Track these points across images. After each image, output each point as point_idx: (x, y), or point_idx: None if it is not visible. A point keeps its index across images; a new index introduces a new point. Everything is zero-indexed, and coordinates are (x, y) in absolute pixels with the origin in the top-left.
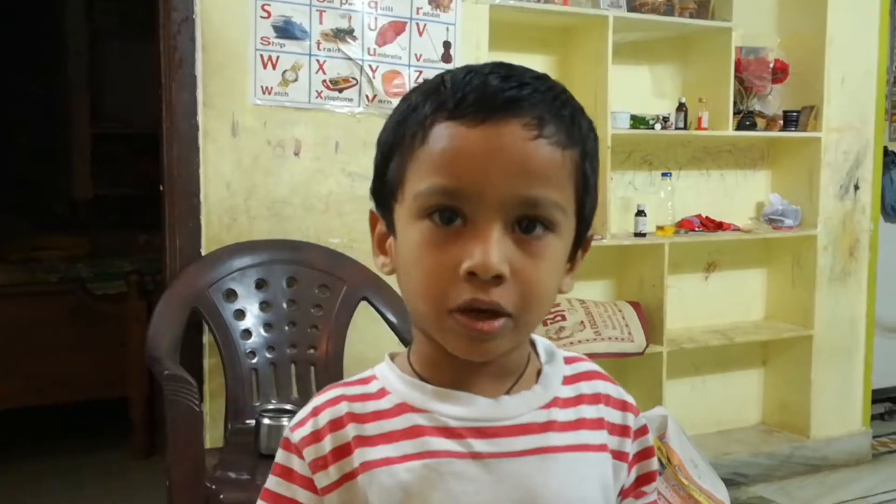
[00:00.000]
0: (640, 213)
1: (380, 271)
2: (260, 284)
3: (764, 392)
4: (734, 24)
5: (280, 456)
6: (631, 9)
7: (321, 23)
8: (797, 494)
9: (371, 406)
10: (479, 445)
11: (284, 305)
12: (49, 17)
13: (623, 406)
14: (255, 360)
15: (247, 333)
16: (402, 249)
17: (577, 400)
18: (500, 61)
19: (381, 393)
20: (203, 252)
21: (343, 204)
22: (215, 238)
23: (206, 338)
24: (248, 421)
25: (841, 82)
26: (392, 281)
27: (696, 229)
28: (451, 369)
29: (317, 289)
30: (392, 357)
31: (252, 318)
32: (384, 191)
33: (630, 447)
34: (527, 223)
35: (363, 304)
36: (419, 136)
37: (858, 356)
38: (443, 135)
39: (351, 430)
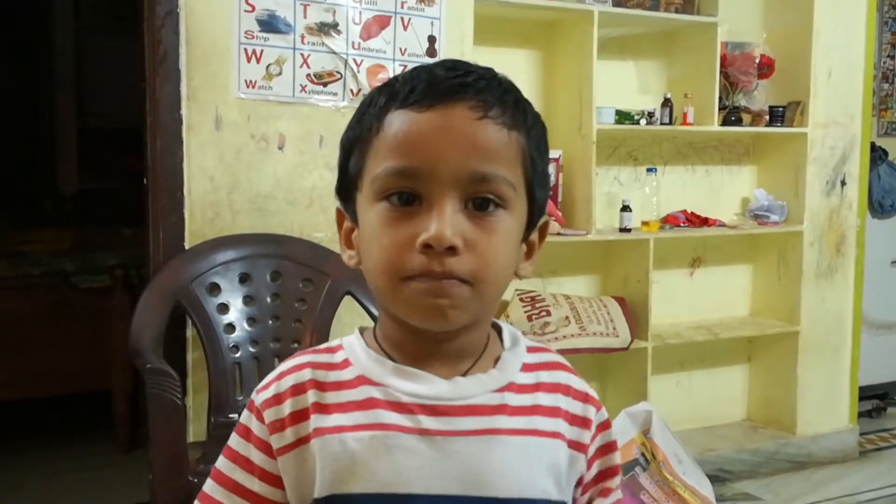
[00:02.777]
0: (626, 208)
1: (347, 264)
2: (244, 278)
3: (749, 388)
4: (720, 20)
5: (243, 416)
6: (616, 3)
7: (305, 17)
8: (782, 491)
9: (333, 376)
10: (429, 422)
11: (268, 300)
12: (35, 13)
13: (584, 398)
14: (238, 355)
15: (230, 327)
16: (363, 232)
17: (535, 387)
18: (448, 58)
19: (345, 364)
20: (186, 246)
21: (327, 198)
22: (198, 232)
23: (190, 332)
24: (231, 415)
25: (827, 77)
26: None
27: (682, 225)
28: (411, 348)
29: (301, 283)
30: (361, 331)
31: (235, 313)
32: (347, 184)
33: (590, 439)
34: (480, 201)
35: (347, 298)
36: (374, 127)
37: (845, 353)
38: (395, 121)
39: (311, 397)
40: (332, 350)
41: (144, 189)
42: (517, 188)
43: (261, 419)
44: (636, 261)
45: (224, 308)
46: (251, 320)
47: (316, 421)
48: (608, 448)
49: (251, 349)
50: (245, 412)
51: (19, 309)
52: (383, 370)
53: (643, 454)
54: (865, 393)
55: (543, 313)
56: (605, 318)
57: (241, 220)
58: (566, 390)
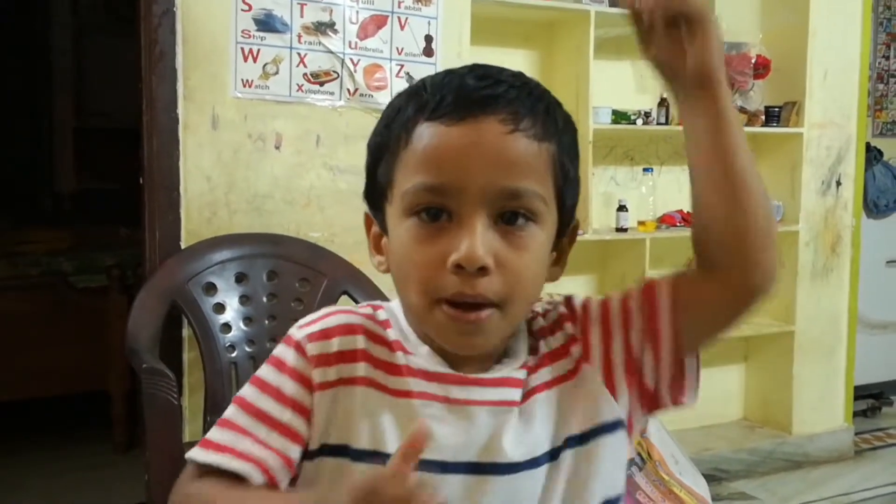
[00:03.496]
0: (622, 208)
1: (377, 270)
2: (240, 278)
3: (746, 388)
4: (716, 19)
5: (277, 350)
6: (612, 4)
7: (302, 16)
8: (778, 490)
9: (379, 330)
10: (457, 392)
11: (265, 299)
12: (34, 12)
13: (553, 330)
14: (234, 354)
15: (226, 327)
16: (394, 246)
17: (539, 364)
18: (477, 63)
19: (386, 324)
20: (183, 245)
21: (324, 198)
22: (195, 232)
23: (186, 331)
24: None
25: (823, 78)
26: (373, 275)
27: (678, 224)
28: (439, 350)
29: (297, 283)
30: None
31: (232, 312)
32: (375, 193)
33: (581, 328)
34: (510, 215)
35: (344, 298)
36: (403, 139)
37: (841, 352)
38: (424, 135)
39: (360, 342)
40: (374, 307)
41: (141, 189)
42: (548, 201)
43: (301, 352)
44: (633, 260)
45: (220, 308)
46: (247, 320)
47: (364, 369)
48: (585, 308)
49: (247, 349)
50: (280, 346)
51: (17, 309)
52: (415, 344)
53: (639, 454)
54: (861, 392)
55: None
56: None
57: (237, 220)
58: (561, 344)
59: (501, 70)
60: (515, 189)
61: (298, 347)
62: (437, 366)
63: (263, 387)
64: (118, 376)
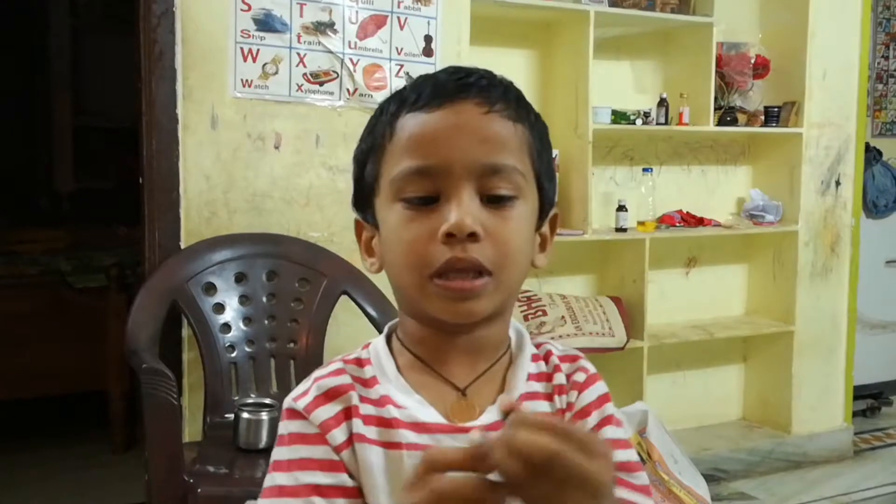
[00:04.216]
0: (622, 208)
1: (369, 271)
2: (239, 278)
3: (745, 388)
4: (715, 20)
5: (282, 427)
6: (612, 4)
7: (301, 16)
8: (777, 490)
9: (364, 392)
10: (448, 441)
11: (264, 299)
12: (32, 12)
13: (569, 378)
14: (234, 354)
15: (226, 327)
16: (385, 233)
17: (534, 396)
18: (450, 65)
19: (373, 381)
20: (182, 245)
21: (323, 197)
22: (194, 231)
23: (186, 331)
24: (226, 415)
25: (822, 78)
26: (372, 275)
27: (677, 224)
28: (432, 345)
29: (297, 283)
30: (389, 334)
31: (231, 312)
32: (364, 193)
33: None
34: (494, 196)
35: (343, 297)
36: (388, 133)
37: (840, 352)
38: (407, 124)
39: (354, 398)
40: (360, 363)
41: (140, 188)
42: (527, 177)
43: (306, 419)
44: (632, 260)
45: (220, 308)
46: (247, 320)
47: (357, 425)
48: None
49: (247, 349)
50: (284, 423)
51: (15, 308)
52: (406, 396)
53: (639, 454)
54: (860, 392)
55: (539, 313)
56: (601, 318)
57: (237, 220)
58: (560, 390)
59: (472, 67)
60: (496, 164)
61: (304, 417)
62: (424, 412)
63: (290, 467)
64: (117, 376)
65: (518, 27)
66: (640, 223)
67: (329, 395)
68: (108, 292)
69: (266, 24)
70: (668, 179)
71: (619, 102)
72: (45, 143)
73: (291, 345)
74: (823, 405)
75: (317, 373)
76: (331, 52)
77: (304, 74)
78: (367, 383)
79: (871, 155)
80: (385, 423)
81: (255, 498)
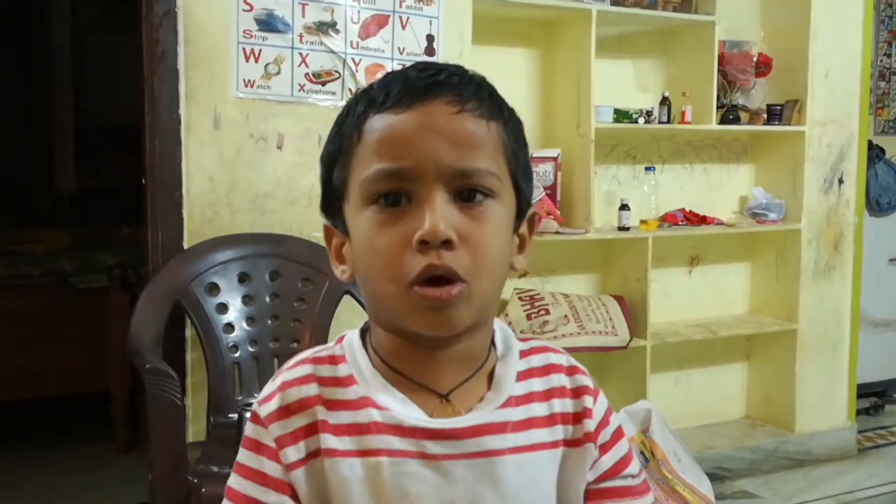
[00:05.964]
0: (624, 207)
1: (340, 278)
2: (242, 278)
3: (748, 386)
4: (717, 18)
5: (248, 429)
6: (614, 2)
7: (304, 16)
8: (781, 489)
9: (340, 393)
10: (433, 447)
11: (267, 299)
12: (33, 12)
13: (576, 394)
14: (237, 354)
15: (229, 327)
16: (356, 240)
17: (528, 398)
18: (419, 61)
19: (350, 380)
20: (185, 245)
21: None
22: (197, 232)
23: (189, 331)
24: (230, 415)
25: (825, 76)
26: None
27: (680, 223)
28: (408, 357)
29: (300, 282)
30: (363, 333)
31: (234, 312)
32: (332, 198)
33: (594, 427)
34: (467, 193)
35: (346, 297)
36: (355, 136)
37: (843, 350)
38: (375, 126)
39: (319, 413)
40: (334, 360)
41: (143, 189)
42: (502, 178)
43: (267, 432)
44: (635, 259)
45: (223, 308)
46: (250, 320)
47: (325, 440)
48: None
49: (250, 349)
50: (250, 425)
51: (17, 309)
52: (387, 396)
53: (642, 452)
54: (864, 390)
55: (542, 312)
56: (604, 317)
57: (239, 220)
58: (560, 392)
59: (442, 63)
60: (469, 166)
61: (265, 426)
62: (408, 412)
63: (246, 474)
64: (119, 376)
65: (520, 26)
66: (643, 222)
67: (291, 409)
68: (111, 293)
69: (268, 24)
70: (670, 178)
71: (622, 101)
72: (47, 143)
73: (295, 345)
74: (827, 403)
75: (285, 374)
76: (333, 51)
77: (307, 74)
78: (342, 382)
79: (874, 153)
80: (362, 429)
81: None
